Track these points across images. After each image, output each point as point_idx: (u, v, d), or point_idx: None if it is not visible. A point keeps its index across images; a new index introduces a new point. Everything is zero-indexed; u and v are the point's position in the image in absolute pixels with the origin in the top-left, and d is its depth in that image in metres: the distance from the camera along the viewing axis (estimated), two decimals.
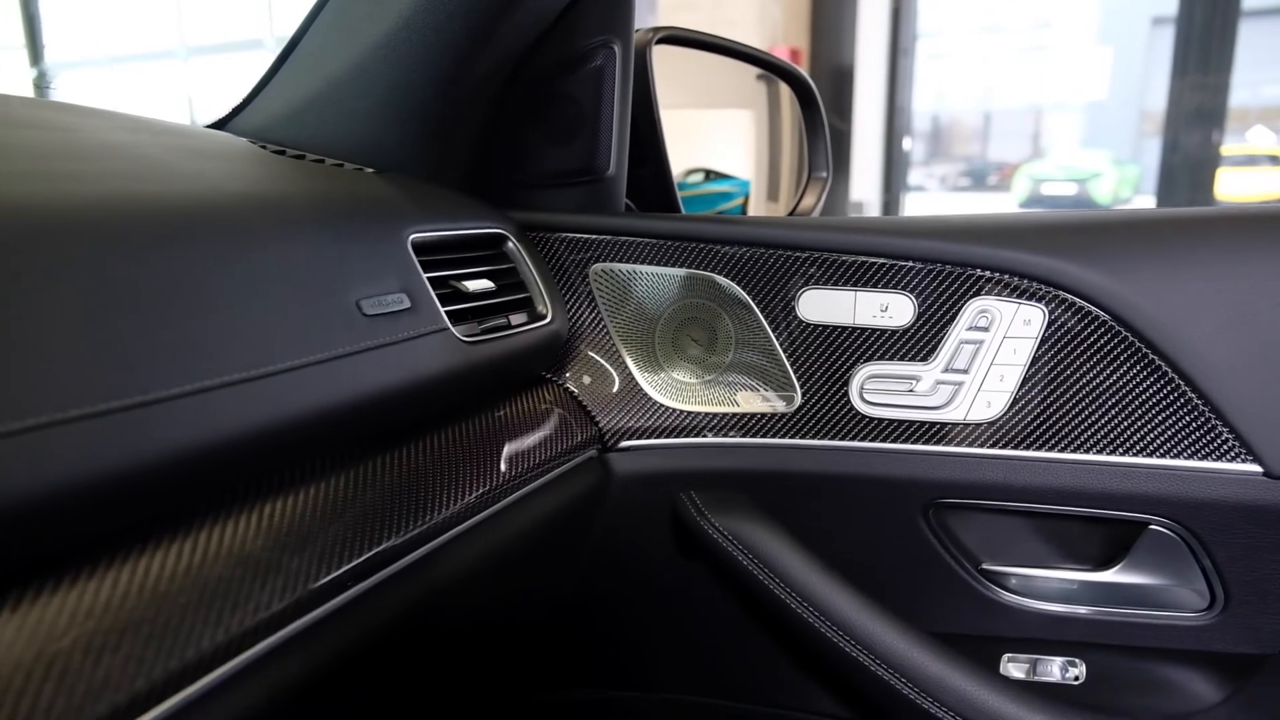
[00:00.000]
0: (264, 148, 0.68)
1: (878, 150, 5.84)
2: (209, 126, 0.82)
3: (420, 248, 0.59)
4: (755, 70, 1.19)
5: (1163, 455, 0.60)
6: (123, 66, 9.00)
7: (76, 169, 0.47)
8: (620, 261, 0.71)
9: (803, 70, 0.98)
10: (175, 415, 0.39)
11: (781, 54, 4.87)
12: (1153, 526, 0.62)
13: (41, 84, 8.99)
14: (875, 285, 0.65)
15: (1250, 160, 16.14)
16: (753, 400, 0.69)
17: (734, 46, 0.92)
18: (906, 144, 6.35)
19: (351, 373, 0.50)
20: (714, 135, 1.53)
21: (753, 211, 1.39)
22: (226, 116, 0.81)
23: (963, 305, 0.63)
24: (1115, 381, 0.60)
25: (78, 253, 0.39)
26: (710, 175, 1.44)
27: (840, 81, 5.34)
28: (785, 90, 1.12)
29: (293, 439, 0.46)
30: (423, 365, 0.55)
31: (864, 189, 5.78)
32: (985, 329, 0.63)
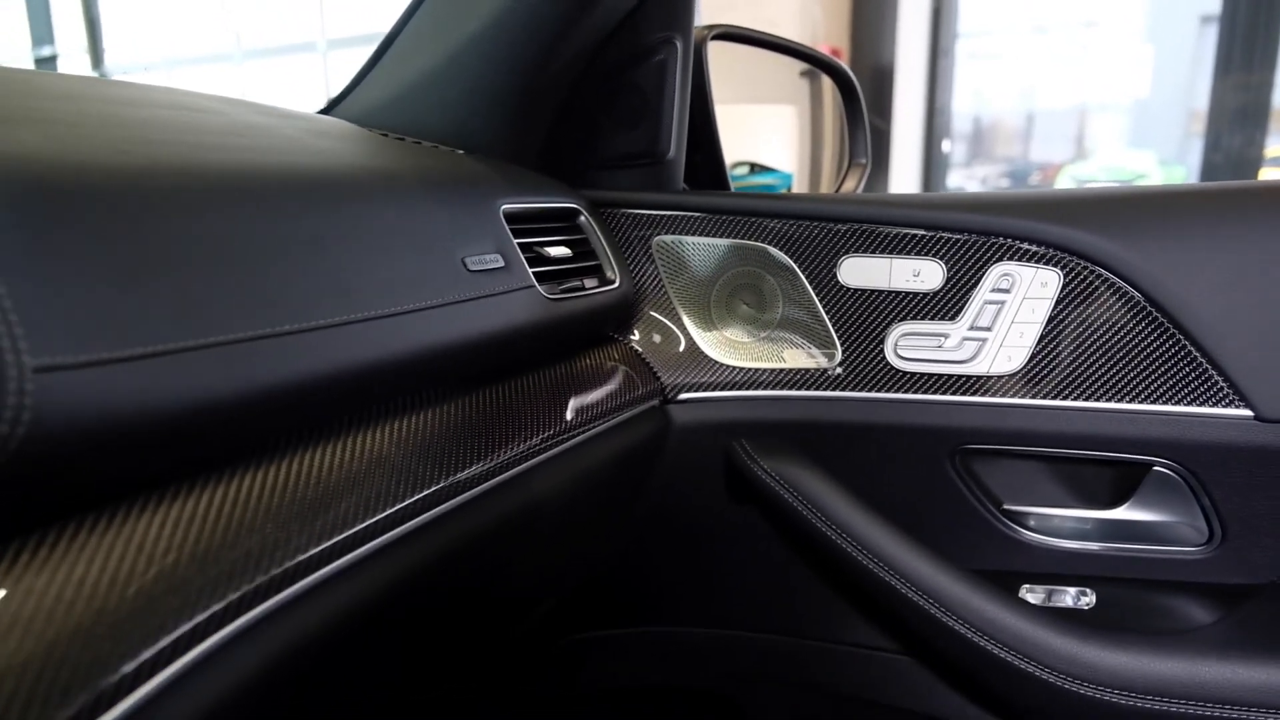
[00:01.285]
0: (370, 131, 0.78)
1: (916, 151, 5.86)
2: (318, 113, 0.92)
3: (509, 217, 0.68)
4: (798, 67, 1.27)
5: (1164, 402, 0.67)
6: (181, 70, 9.26)
7: (241, 143, 0.57)
8: (680, 234, 0.80)
9: (843, 64, 1.06)
10: (327, 341, 0.48)
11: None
12: (1156, 468, 0.69)
13: None
14: (908, 253, 0.73)
15: None
16: (798, 357, 0.78)
17: (781, 42, 1.00)
18: (945, 146, 6.34)
19: (459, 317, 0.59)
20: (759, 129, 1.61)
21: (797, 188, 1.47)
22: (332, 103, 0.91)
23: (986, 270, 0.71)
24: (1122, 336, 0.68)
25: (260, 210, 0.49)
26: (755, 168, 1.52)
27: (880, 81, 5.37)
28: (827, 86, 1.20)
29: (409, 372, 0.55)
30: (514, 316, 0.64)
31: (902, 189, 5.81)
32: (1007, 291, 0.70)
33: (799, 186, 1.48)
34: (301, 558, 0.43)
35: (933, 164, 6.17)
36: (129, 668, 0.34)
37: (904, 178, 5.87)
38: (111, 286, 0.38)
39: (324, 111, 0.91)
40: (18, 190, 0.36)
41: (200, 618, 0.37)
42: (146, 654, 0.35)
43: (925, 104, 5.96)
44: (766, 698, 0.93)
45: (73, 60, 9.70)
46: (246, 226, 0.47)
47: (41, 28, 10.04)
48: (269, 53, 8.32)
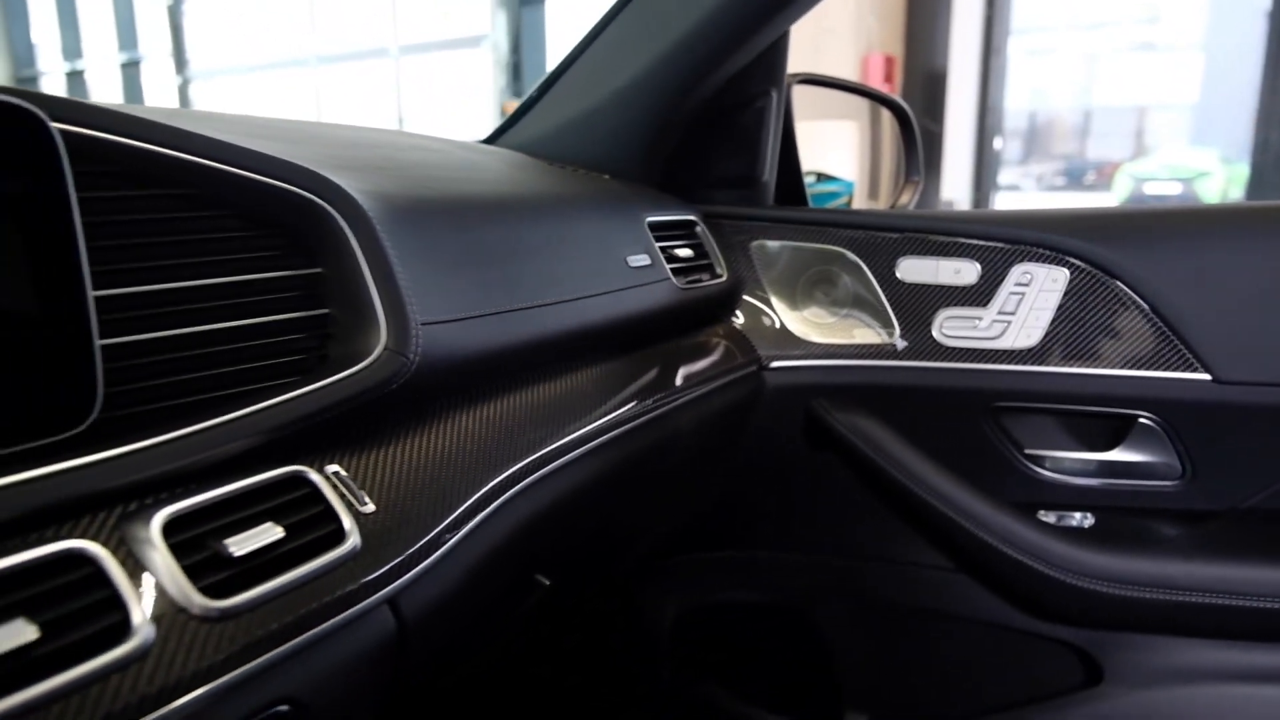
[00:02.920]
0: (538, 160, 1.03)
1: (969, 151, 5.99)
2: (482, 141, 1.17)
3: (652, 226, 0.93)
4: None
5: (1146, 369, 0.89)
6: (258, 74, 9.72)
7: (475, 175, 0.83)
8: (772, 240, 1.04)
9: (899, 99, 1.29)
10: (539, 316, 0.73)
11: (876, 62, 5.07)
12: (1140, 419, 0.91)
13: (185, 90, 9.89)
14: (951, 255, 0.96)
15: None
16: (865, 334, 1.01)
17: (850, 85, 1.23)
18: (997, 143, 6.44)
19: (625, 300, 0.83)
20: (825, 142, 1.84)
21: (855, 206, 1.69)
22: (494, 134, 1.16)
23: (1011, 268, 0.93)
24: (1114, 319, 0.90)
25: (507, 223, 0.74)
26: (821, 177, 1.75)
27: (933, 86, 5.53)
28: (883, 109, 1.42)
29: (595, 336, 0.80)
30: (659, 300, 0.88)
31: (954, 189, 5.95)
32: (1026, 284, 0.93)
33: (859, 193, 1.69)
34: (559, 443, 0.68)
35: (985, 163, 6.28)
36: (486, 487, 0.59)
37: (956, 177, 6.00)
38: (446, 274, 0.63)
39: (490, 139, 1.16)
40: (398, 215, 0.61)
41: (518, 466, 0.63)
42: (495, 480, 0.60)
43: (977, 103, 6.07)
44: (835, 611, 1.16)
45: (157, 64, 10.24)
46: (503, 235, 0.72)
47: (127, 33, 10.62)
48: (343, 58, 8.73)
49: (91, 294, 0.45)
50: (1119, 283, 0.89)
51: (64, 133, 0.44)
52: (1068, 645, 0.96)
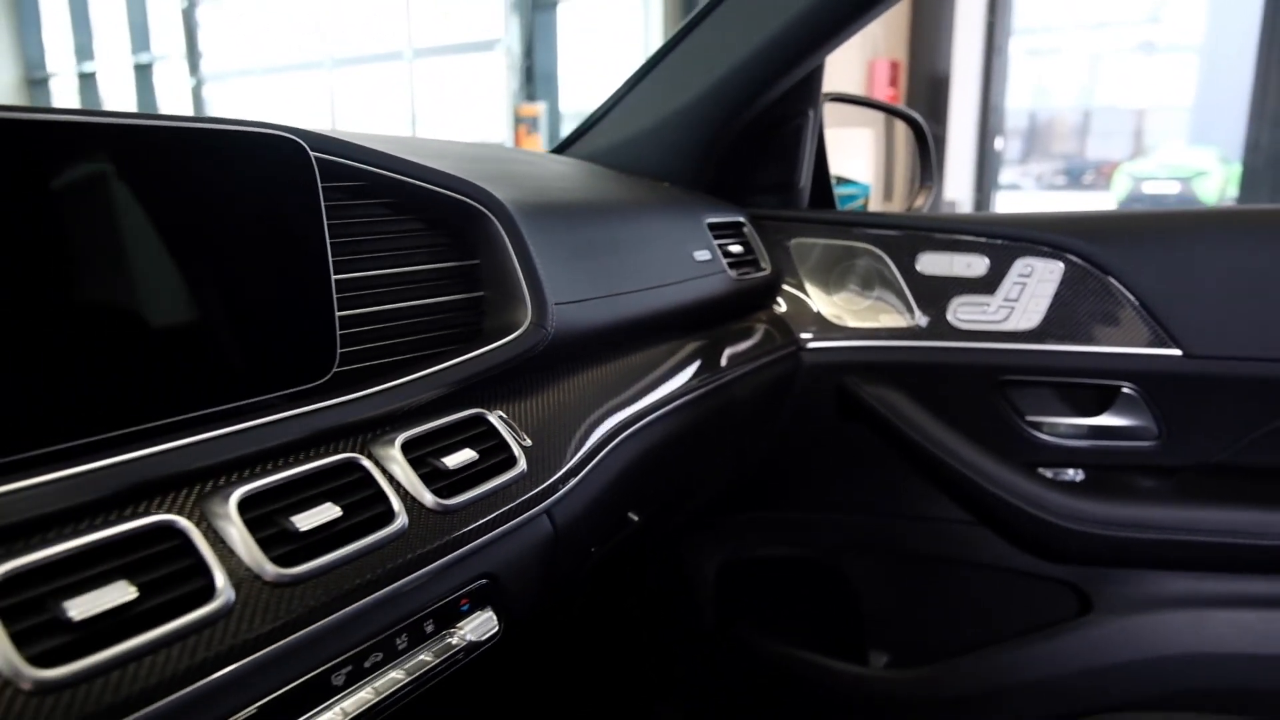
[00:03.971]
0: (608, 169, 1.19)
1: (971, 151, 6.15)
2: (552, 151, 1.34)
3: (710, 226, 1.09)
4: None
5: (1127, 345, 1.06)
6: (274, 76, 9.89)
7: (569, 185, 0.99)
8: (809, 238, 1.20)
9: (915, 113, 1.45)
10: (632, 300, 0.89)
11: (882, 67, 5.23)
12: (1123, 389, 1.08)
13: (199, 92, 10.05)
14: (963, 251, 1.12)
15: None
16: (889, 319, 1.17)
17: (872, 102, 1.40)
18: (999, 144, 6.59)
19: (691, 289, 1.00)
20: (844, 148, 2.00)
21: (872, 208, 1.86)
22: (562, 146, 1.32)
23: (1014, 261, 1.10)
24: (1101, 304, 1.06)
25: (607, 224, 0.90)
26: (840, 180, 1.91)
27: (936, 89, 5.70)
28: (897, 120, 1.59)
29: (669, 317, 0.96)
30: (717, 288, 1.05)
31: (957, 189, 6.11)
32: (1028, 275, 1.09)
33: (875, 194, 1.85)
34: (650, 401, 0.85)
35: (986, 163, 6.44)
36: (604, 430, 0.76)
37: (958, 177, 6.16)
38: (566, 265, 0.80)
39: (559, 149, 1.33)
40: (530, 217, 0.78)
41: (624, 416, 0.79)
42: (610, 425, 0.77)
43: (979, 104, 6.23)
44: (861, 563, 1.32)
45: (171, 65, 10.41)
46: (601, 233, 0.89)
47: (140, 35, 10.78)
48: (358, 61, 8.91)
49: (333, 278, 0.61)
50: (1105, 274, 1.06)
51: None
52: (1063, 582, 1.12)
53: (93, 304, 0.48)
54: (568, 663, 1.30)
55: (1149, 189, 16.47)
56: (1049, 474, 1.13)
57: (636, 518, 0.93)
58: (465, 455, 0.63)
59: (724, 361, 1.04)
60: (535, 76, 7.24)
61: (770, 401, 1.18)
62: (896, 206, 1.69)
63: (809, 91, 1.19)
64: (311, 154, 0.61)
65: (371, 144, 0.70)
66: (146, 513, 0.46)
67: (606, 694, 1.36)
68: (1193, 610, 1.05)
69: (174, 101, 10.35)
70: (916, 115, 1.43)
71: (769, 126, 1.20)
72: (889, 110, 1.45)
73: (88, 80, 11.52)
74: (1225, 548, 1.01)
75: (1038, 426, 1.14)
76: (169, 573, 0.45)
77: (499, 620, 0.63)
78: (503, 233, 0.74)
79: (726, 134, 1.16)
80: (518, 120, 7.04)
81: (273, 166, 0.58)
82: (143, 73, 10.94)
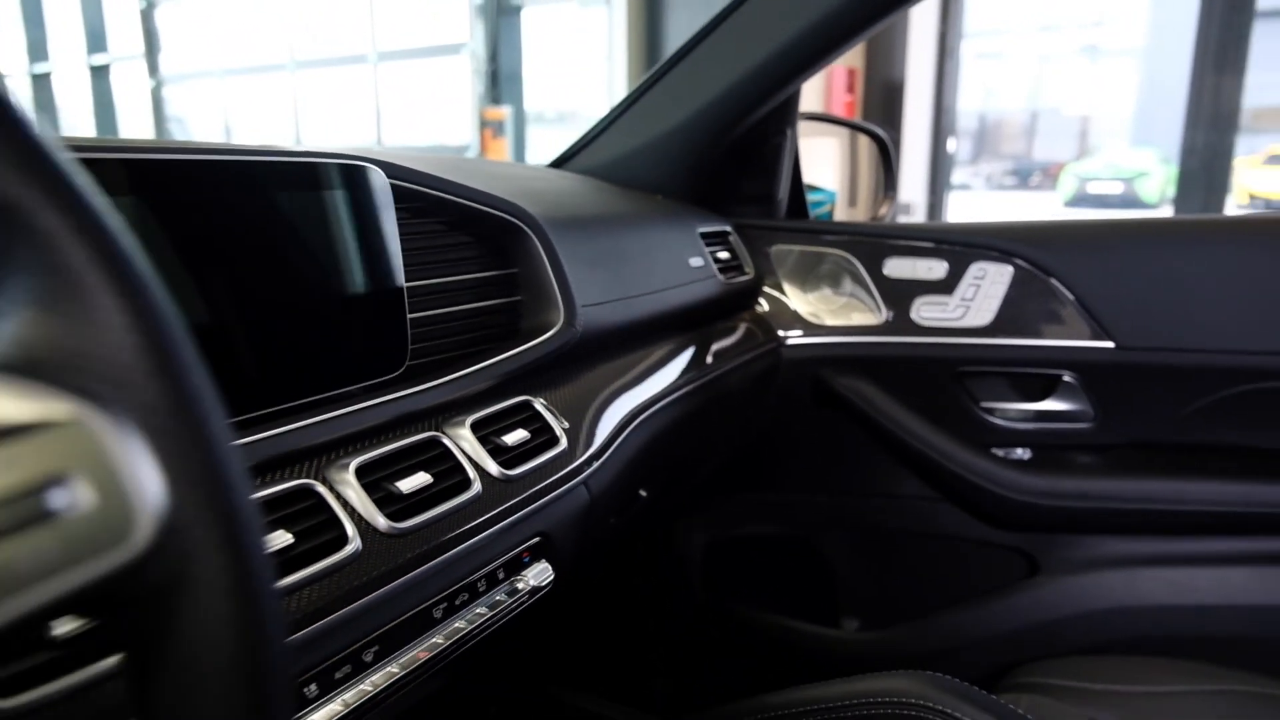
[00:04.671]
0: (606, 184, 1.31)
1: (924, 154, 6.37)
2: (549, 165, 1.45)
3: (701, 235, 1.22)
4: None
5: (1067, 339, 1.21)
6: (235, 79, 9.81)
7: (579, 200, 1.11)
8: (787, 244, 1.34)
9: (879, 129, 1.60)
10: (641, 303, 1.02)
11: (840, 74, 5.39)
12: (1064, 378, 1.23)
13: (158, 94, 9.93)
14: (925, 256, 1.27)
15: None
16: (859, 317, 1.31)
17: (841, 120, 1.54)
18: (951, 145, 6.81)
19: (688, 292, 1.13)
20: (810, 157, 2.14)
21: (838, 213, 2.00)
22: (562, 159, 1.44)
23: (969, 265, 1.24)
24: (1044, 304, 1.21)
25: (614, 234, 1.03)
26: (809, 188, 2.06)
27: (891, 94, 5.90)
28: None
29: (670, 319, 1.09)
30: (710, 291, 1.18)
31: (912, 191, 6.33)
32: (981, 278, 1.24)
33: (841, 201, 1.99)
34: (659, 390, 0.98)
35: (939, 164, 6.65)
36: (625, 414, 0.89)
37: (913, 179, 6.37)
38: (586, 271, 0.92)
39: (557, 163, 1.45)
40: (557, 230, 0.90)
41: (639, 402, 0.92)
42: (629, 410, 0.89)
43: (932, 106, 6.43)
44: (834, 538, 1.46)
45: (128, 67, 10.27)
46: (611, 243, 1.01)
47: (96, 36, 10.62)
48: (322, 63, 8.88)
49: (404, 285, 0.73)
50: (1048, 276, 1.21)
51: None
52: (1014, 549, 1.27)
53: (239, 310, 0.59)
54: (581, 626, 1.43)
55: (1094, 189, 16.96)
56: (1001, 453, 1.28)
57: (645, 494, 1.05)
58: (520, 434, 0.76)
59: (717, 357, 1.17)
60: (500, 80, 7.33)
61: (755, 393, 1.32)
62: (860, 211, 1.82)
63: (788, 112, 1.33)
64: (388, 180, 0.72)
65: (419, 165, 0.81)
66: (287, 479, 0.58)
67: (610, 657, 1.48)
68: (1125, 569, 1.20)
69: (133, 104, 10.22)
70: (880, 131, 1.57)
71: (752, 144, 1.34)
72: (856, 127, 1.59)
73: (41, 81, 11.31)
74: (1151, 514, 1.17)
75: (991, 412, 1.29)
76: (311, 525, 0.56)
77: (553, 570, 0.75)
78: (538, 244, 0.87)
79: (714, 151, 1.29)
80: (483, 124, 7.12)
81: (359, 191, 0.70)
82: (99, 74, 10.78)
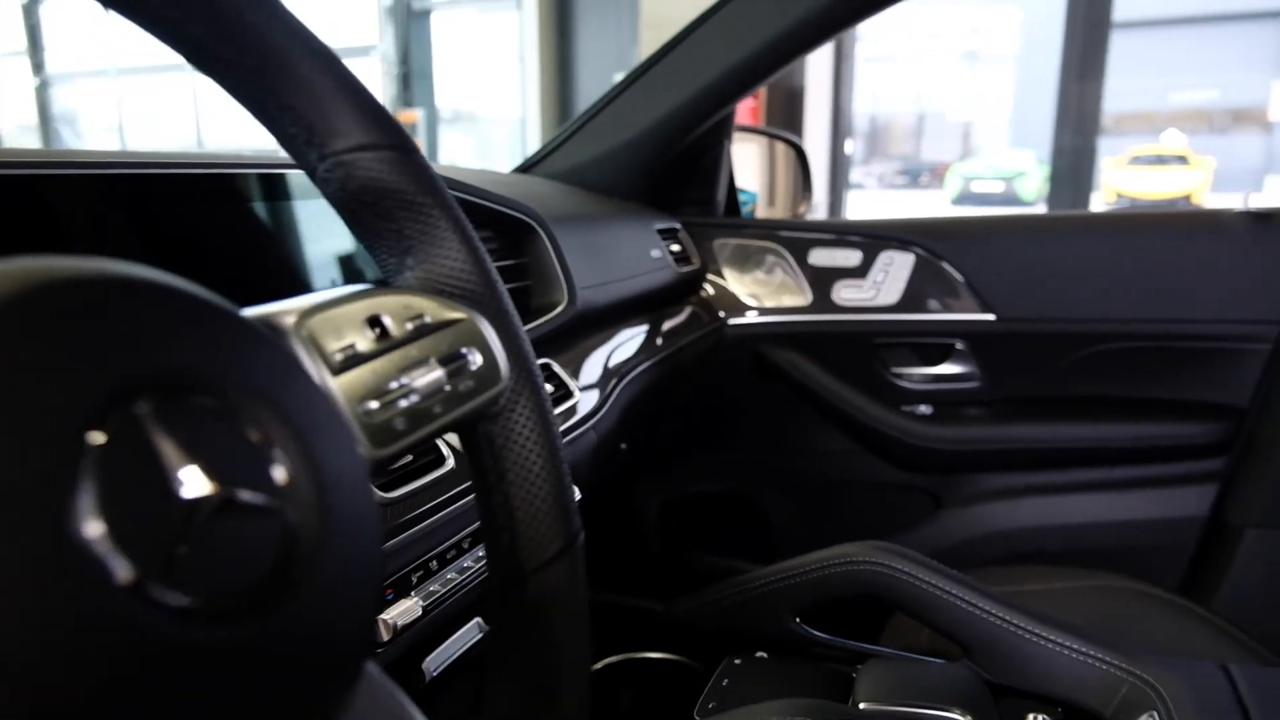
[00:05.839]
0: (571, 188, 1.51)
1: (824, 155, 6.75)
2: (515, 171, 1.64)
3: (658, 231, 1.43)
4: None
5: (958, 314, 1.47)
6: (128, 79, 9.49)
7: (558, 202, 1.31)
8: (727, 239, 1.56)
9: (796, 138, 1.84)
10: (619, 286, 1.22)
11: None
12: (956, 345, 1.49)
13: (44, 92, 9.53)
14: (843, 247, 1.51)
15: (1160, 160, 17.35)
16: (790, 300, 1.55)
17: (767, 131, 1.78)
18: (848, 147, 7.22)
19: (651, 278, 1.34)
20: (735, 162, 2.38)
21: (759, 211, 2.25)
22: (525, 166, 1.63)
23: (879, 254, 1.49)
24: (940, 285, 1.47)
25: (585, 229, 1.23)
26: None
27: (793, 98, 6.25)
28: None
29: (639, 303, 1.29)
30: (666, 279, 1.39)
31: (814, 191, 6.68)
32: (889, 264, 1.49)
33: (761, 201, 2.23)
34: (634, 358, 1.18)
35: (838, 165, 7.04)
36: (615, 376, 1.09)
37: (814, 181, 6.72)
38: (578, 260, 1.12)
39: (523, 169, 1.64)
40: (554, 226, 1.09)
41: (621, 366, 1.12)
42: (617, 373, 1.10)
43: (831, 109, 6.81)
44: (775, 491, 1.70)
45: (10, 65, 9.82)
46: (591, 237, 1.21)
47: None
48: None
49: None
50: (942, 261, 1.47)
51: None
52: (921, 489, 1.53)
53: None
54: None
55: (977, 188, 17.91)
56: (908, 410, 1.54)
57: (625, 446, 1.26)
58: (549, 388, 0.95)
59: (674, 334, 1.39)
60: (412, 82, 7.39)
61: (703, 365, 1.54)
62: (778, 209, 2.06)
63: (726, 125, 1.55)
64: None
65: (452, 174, 1.00)
66: None
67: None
68: (1009, 499, 1.48)
69: (15, 103, 9.77)
70: (797, 140, 1.82)
71: (696, 154, 1.56)
72: (777, 136, 1.84)
73: None
74: (1028, 452, 1.44)
75: (899, 376, 1.54)
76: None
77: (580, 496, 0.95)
78: (544, 238, 1.06)
79: (664, 160, 1.50)
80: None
81: None
82: None
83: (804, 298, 1.54)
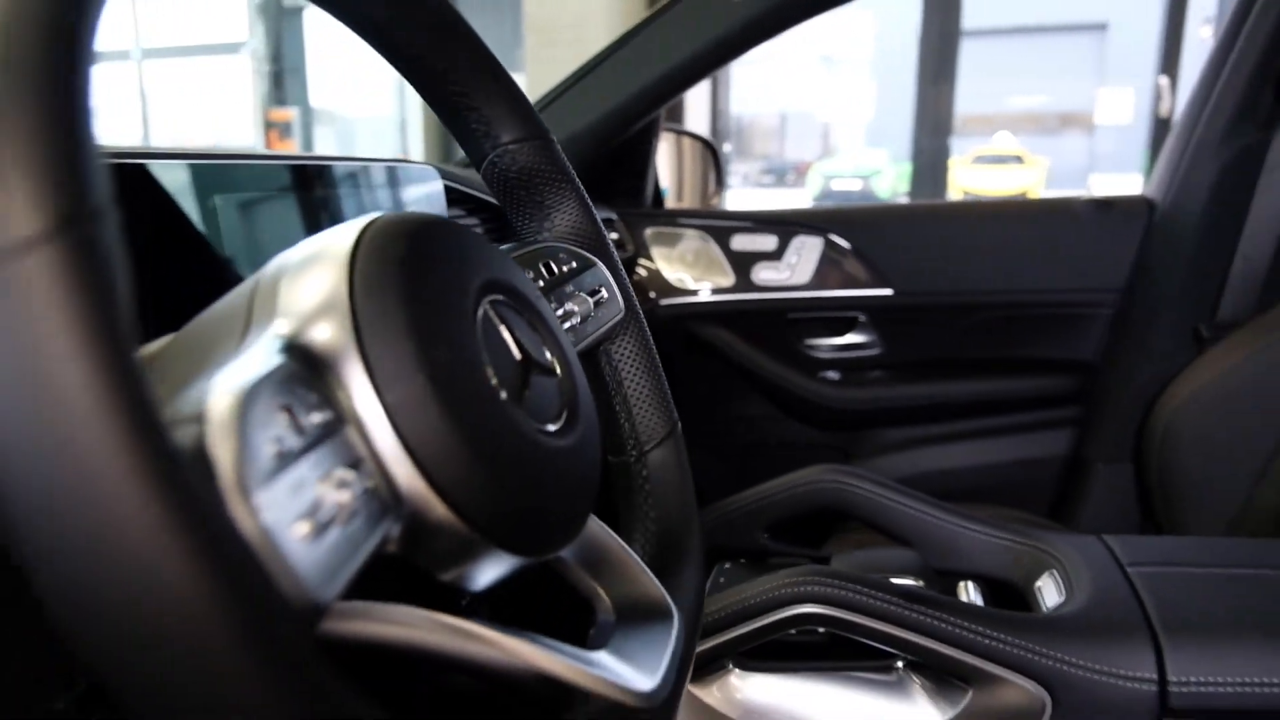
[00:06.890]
0: None
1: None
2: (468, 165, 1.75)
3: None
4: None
5: (860, 290, 1.69)
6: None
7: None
8: (657, 227, 1.73)
9: (708, 136, 2.03)
10: None
11: None
12: (859, 318, 1.71)
13: None
14: (760, 233, 1.71)
15: (999, 159, 18.69)
16: (715, 280, 1.73)
17: (687, 131, 1.96)
18: (727, 147, 7.52)
19: None
20: None
21: (669, 204, 2.43)
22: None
23: (792, 239, 1.69)
24: (845, 266, 1.69)
25: None
26: None
27: (675, 103, 6.48)
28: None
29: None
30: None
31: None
32: (801, 248, 1.69)
33: (671, 195, 2.40)
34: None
35: (718, 164, 7.31)
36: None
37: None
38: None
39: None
40: None
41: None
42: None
43: (710, 109, 7.09)
44: (705, 456, 1.87)
45: None
46: None
47: None
48: (175, 52, 8.14)
49: None
50: (847, 245, 1.68)
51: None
52: (833, 446, 1.75)
53: None
54: None
55: (837, 185, 18.78)
56: (820, 375, 1.75)
57: None
58: None
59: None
60: (285, 80, 7.20)
61: None
62: (687, 202, 2.24)
63: (655, 124, 1.72)
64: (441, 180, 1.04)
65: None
66: None
67: None
68: (908, 450, 1.71)
69: None
70: (710, 138, 2.01)
71: (627, 150, 1.72)
72: (692, 135, 2.02)
73: None
74: (922, 408, 1.68)
75: (811, 347, 1.75)
76: None
77: None
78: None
79: (599, 156, 1.65)
80: (268, 125, 6.98)
81: (420, 189, 1.01)
82: None
83: (728, 279, 1.72)
